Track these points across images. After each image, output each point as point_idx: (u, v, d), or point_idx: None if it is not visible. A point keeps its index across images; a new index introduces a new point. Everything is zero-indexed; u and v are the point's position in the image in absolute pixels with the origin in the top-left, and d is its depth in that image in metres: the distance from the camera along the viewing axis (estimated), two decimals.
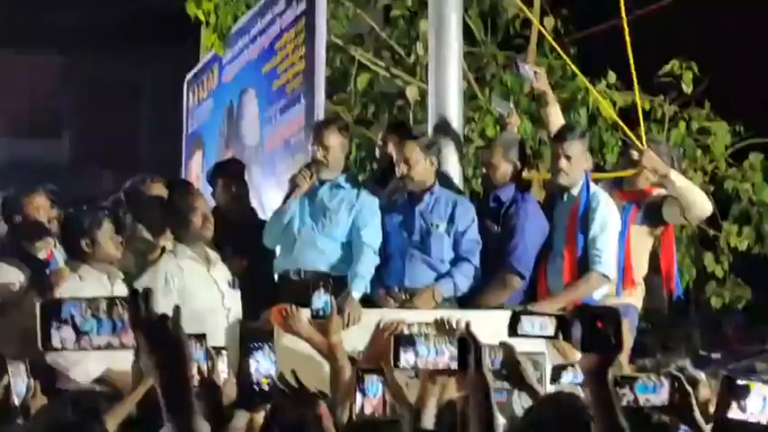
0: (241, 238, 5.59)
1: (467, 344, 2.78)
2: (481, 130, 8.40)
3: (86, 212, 4.89)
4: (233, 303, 5.22)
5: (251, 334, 4.18)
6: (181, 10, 8.75)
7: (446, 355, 2.89)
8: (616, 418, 2.17)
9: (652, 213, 5.38)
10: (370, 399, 3.16)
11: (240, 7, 8.54)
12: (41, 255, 4.88)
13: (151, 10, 9.28)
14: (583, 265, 5.14)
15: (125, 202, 5.75)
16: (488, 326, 4.44)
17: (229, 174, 6.14)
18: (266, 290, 5.39)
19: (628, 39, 5.55)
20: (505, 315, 4.94)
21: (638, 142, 5.51)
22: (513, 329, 2.71)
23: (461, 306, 5.15)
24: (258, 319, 5.14)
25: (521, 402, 4.41)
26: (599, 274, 5.11)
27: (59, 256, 4.87)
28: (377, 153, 6.02)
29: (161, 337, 1.96)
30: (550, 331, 2.56)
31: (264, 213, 6.34)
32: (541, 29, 6.98)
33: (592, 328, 2.19)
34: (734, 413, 2.84)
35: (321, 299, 4.54)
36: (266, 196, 7.05)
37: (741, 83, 9.00)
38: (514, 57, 9.34)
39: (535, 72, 5.60)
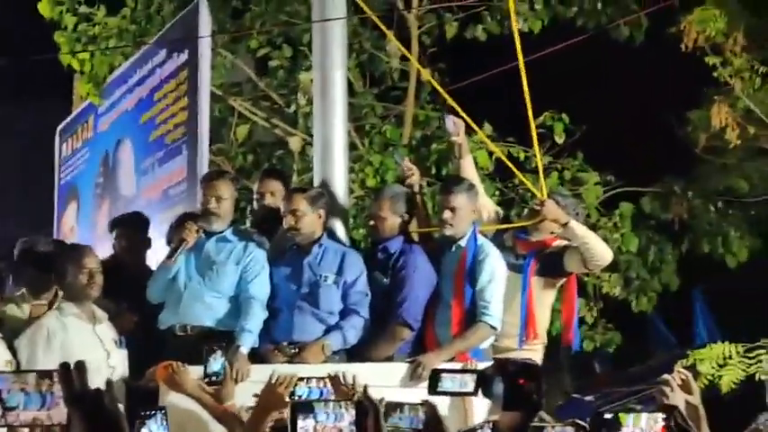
0: (136, 292, 5.46)
1: (365, 407, 2.77)
2: (362, 181, 8.44)
3: None
4: (118, 362, 5.07)
5: (139, 398, 4.07)
6: (52, 59, 8.57)
7: (346, 419, 2.87)
8: None
9: (553, 264, 5.47)
10: None
11: (116, 57, 8.41)
12: None
13: (21, 59, 9.04)
14: (471, 316, 5.19)
15: (6, 259, 5.56)
16: (378, 378, 4.49)
17: (131, 226, 6.02)
18: (154, 346, 5.26)
19: (525, 85, 5.64)
20: (396, 367, 5.02)
21: (538, 193, 5.61)
22: (433, 387, 2.71)
23: (351, 358, 5.13)
24: (143, 377, 5.01)
25: None
26: (487, 326, 5.17)
27: None
28: (254, 204, 5.98)
29: (97, 412, 1.87)
30: (470, 387, 2.58)
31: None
32: (427, 75, 7.05)
33: (514, 385, 2.19)
34: None
35: (217, 362, 4.46)
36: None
37: (611, 133, 9.33)
38: (392, 108, 9.49)
39: (456, 125, 5.63)
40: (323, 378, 4.44)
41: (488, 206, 5.83)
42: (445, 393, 2.68)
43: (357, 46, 9.02)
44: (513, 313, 5.35)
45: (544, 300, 5.50)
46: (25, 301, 5.24)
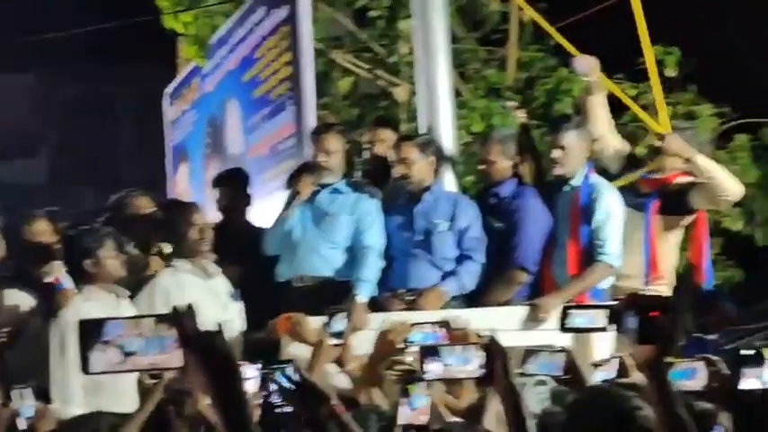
0: (243, 248, 5.53)
1: (493, 351, 2.75)
2: (467, 127, 8.36)
3: (88, 233, 4.82)
4: (234, 315, 5.15)
5: (262, 349, 4.13)
6: (156, 24, 8.70)
7: (473, 363, 2.85)
8: (677, 411, 2.12)
9: (677, 201, 5.29)
10: (416, 412, 3.11)
11: (218, 18, 8.48)
12: (48, 279, 4.80)
13: (126, 25, 9.19)
14: (588, 256, 5.11)
15: (113, 218, 5.68)
16: (495, 323, 4.47)
17: (233, 183, 6.08)
18: (268, 299, 5.33)
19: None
20: (513, 311, 4.99)
21: (658, 127, 5.40)
22: (563, 324, 2.67)
23: (468, 304, 5.12)
24: (263, 330, 5.09)
25: (534, 396, 4.38)
26: (605, 264, 5.08)
27: (66, 278, 4.80)
28: (365, 154, 5.97)
29: (211, 354, 1.91)
30: (601, 323, 2.53)
31: (253, 219, 6.29)
32: (531, 12, 6.83)
33: (646, 319, 2.13)
34: (748, 383, 2.77)
35: (340, 323, 4.49)
36: (255, 203, 7.01)
37: (725, 65, 9.02)
38: (495, 52, 9.36)
39: (589, 64, 5.43)
40: (436, 323, 4.44)
41: (615, 143, 5.55)
42: (576, 330, 2.64)
43: None
44: (637, 252, 5.21)
45: (669, 238, 5.32)
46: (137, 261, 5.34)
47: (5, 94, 20.46)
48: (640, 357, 2.17)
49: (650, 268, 5.20)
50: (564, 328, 2.69)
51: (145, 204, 5.68)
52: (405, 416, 3.10)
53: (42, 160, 21.48)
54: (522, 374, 3.56)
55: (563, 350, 3.57)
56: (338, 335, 4.45)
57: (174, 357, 1.97)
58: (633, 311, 2.14)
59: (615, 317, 2.28)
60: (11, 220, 5.34)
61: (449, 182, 5.57)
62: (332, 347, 4.42)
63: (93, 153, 19.28)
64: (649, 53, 5.60)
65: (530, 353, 3.59)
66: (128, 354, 1.98)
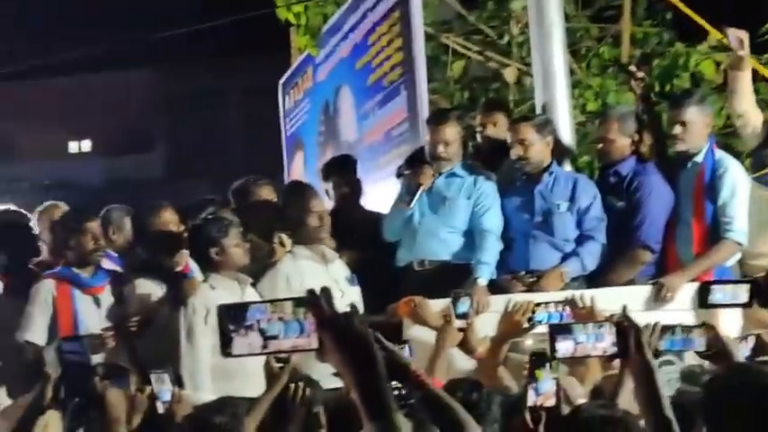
0: (358, 234, 5.58)
1: (625, 328, 2.72)
2: (582, 106, 8.25)
3: (212, 222, 4.94)
4: (354, 300, 5.20)
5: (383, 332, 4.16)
6: (267, 15, 8.82)
7: (605, 341, 2.82)
8: None
9: None
10: (544, 396, 3.09)
11: (329, 7, 8.55)
12: (178, 268, 4.95)
13: (238, 17, 9.35)
14: (713, 234, 4.99)
15: (237, 206, 5.79)
16: (620, 302, 4.40)
17: (342, 170, 6.14)
18: (387, 283, 5.36)
19: None
20: (637, 290, 4.91)
21: None
22: (703, 300, 2.62)
23: (590, 285, 5.06)
24: (382, 314, 5.13)
25: (661, 378, 4.30)
26: (732, 242, 4.96)
27: (195, 267, 4.94)
28: (477, 137, 5.95)
29: (348, 336, 1.93)
30: (743, 298, 2.47)
31: (368, 205, 6.33)
32: None
33: None
34: None
35: (464, 305, 4.51)
36: (369, 189, 7.06)
37: None
38: (608, 29, 9.19)
39: (740, 38, 5.20)
40: (561, 302, 4.40)
41: (756, 119, 5.36)
42: (717, 306, 2.59)
43: None
44: None
45: None
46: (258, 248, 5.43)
47: (122, 91, 21.06)
48: None
49: None
50: (705, 305, 2.63)
51: (267, 192, 5.79)
52: (532, 400, 3.09)
53: (159, 154, 22.04)
54: (660, 352, 3.51)
55: (704, 325, 3.49)
56: (463, 317, 4.46)
57: (313, 340, 2.01)
58: None
59: (758, 291, 2.21)
60: (138, 211, 5.53)
61: (566, 162, 5.52)
62: (456, 330, 4.44)
63: (208, 146, 19.69)
64: None
65: (666, 329, 3.52)
66: (268, 337, 2.02)
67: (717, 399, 2.44)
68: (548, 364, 3.10)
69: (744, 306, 2.56)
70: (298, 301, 2.02)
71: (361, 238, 5.58)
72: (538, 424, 3.14)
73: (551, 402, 3.11)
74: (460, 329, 4.45)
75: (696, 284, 4.57)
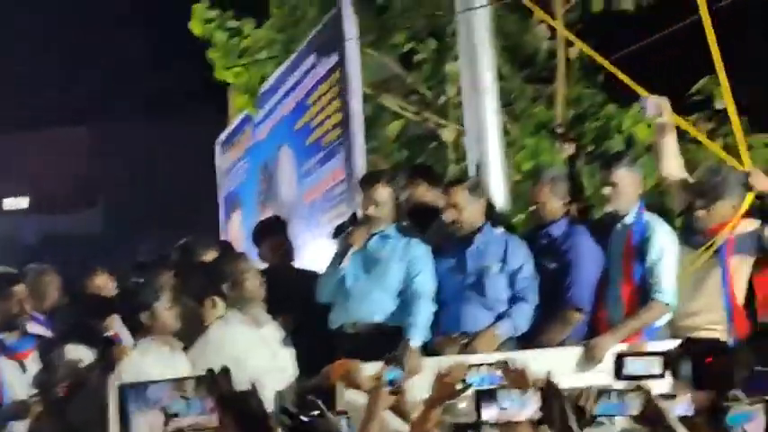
0: (291, 295, 5.57)
1: (549, 394, 2.74)
2: (517, 165, 8.36)
3: (144, 286, 4.89)
4: (287, 362, 5.18)
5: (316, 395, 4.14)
6: (206, 75, 8.86)
7: (530, 407, 2.84)
8: None
9: (750, 244, 5.11)
10: None
11: (268, 67, 8.61)
12: (108, 333, 4.89)
13: (175, 78, 9.40)
14: (643, 295, 5.05)
15: (174, 265, 5.74)
16: (551, 364, 4.43)
17: (273, 232, 6.14)
18: (321, 346, 5.35)
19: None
20: (568, 352, 4.94)
21: (740, 166, 5.25)
22: (618, 372, 2.65)
23: (522, 345, 5.08)
24: (316, 376, 5.09)
25: None
26: (660, 303, 5.02)
27: (125, 333, 4.88)
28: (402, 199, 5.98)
29: (246, 413, 1.93)
30: (657, 370, 2.51)
31: (309, 265, 6.32)
32: (581, 45, 6.78)
33: (702, 364, 2.10)
34: None
35: (395, 372, 4.50)
36: (310, 248, 7.05)
37: None
38: (542, 90, 9.36)
39: (659, 105, 5.30)
40: (494, 364, 4.41)
41: (681, 179, 5.41)
42: (632, 378, 2.62)
43: (502, 30, 8.92)
44: (707, 294, 5.09)
45: (740, 279, 5.14)
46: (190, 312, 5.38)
47: (61, 147, 20.90)
48: (697, 403, 2.14)
49: (733, 321, 5.01)
50: (620, 376, 2.67)
51: (210, 255, 5.75)
52: None
53: (99, 211, 21.85)
54: (595, 417, 3.51)
55: (639, 389, 3.51)
56: (392, 384, 4.45)
57: (213, 417, 2.00)
58: (688, 357, 2.11)
59: (671, 363, 2.24)
60: (71, 273, 5.46)
61: (500, 222, 5.56)
62: (387, 394, 4.41)
63: (148, 202, 19.57)
64: (728, 95, 5.50)
65: (602, 393, 3.53)
66: (170, 415, 2.01)
67: None
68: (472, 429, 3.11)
69: (658, 378, 2.60)
70: (199, 380, 2.02)
71: (295, 298, 5.57)
72: None
73: None
74: (393, 393, 4.43)
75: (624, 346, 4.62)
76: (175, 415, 2.02)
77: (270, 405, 4.56)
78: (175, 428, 2.03)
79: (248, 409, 1.95)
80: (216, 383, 1.97)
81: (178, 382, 2.05)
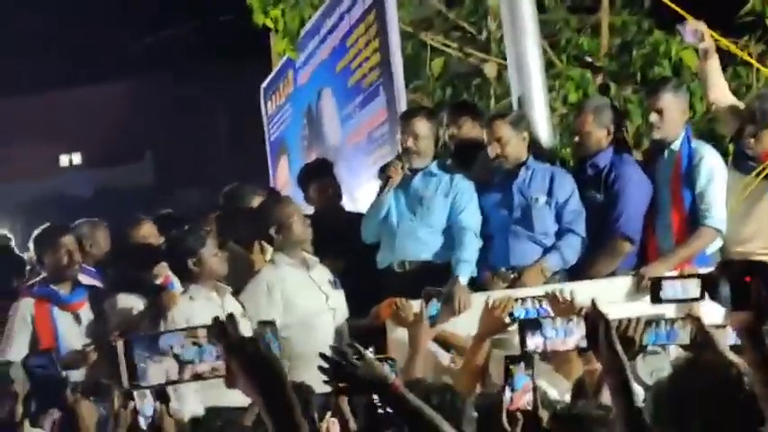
0: (339, 238, 5.58)
1: (594, 321, 2.70)
2: (563, 97, 8.23)
3: (189, 233, 4.93)
4: (338, 303, 5.21)
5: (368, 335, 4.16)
6: (246, 21, 8.80)
7: (575, 335, 2.81)
8: None
9: None
10: (519, 392, 3.09)
11: (306, 10, 8.53)
12: (158, 280, 4.95)
13: (217, 25, 9.36)
14: (692, 221, 4.98)
15: (222, 213, 5.79)
16: (600, 294, 4.39)
17: (319, 175, 6.13)
18: (370, 286, 5.36)
19: None
20: (618, 282, 4.90)
21: None
22: (655, 296, 2.61)
23: (572, 278, 5.05)
24: (366, 316, 5.12)
25: (646, 369, 4.30)
26: (710, 229, 4.95)
27: (175, 279, 4.93)
28: (446, 137, 5.94)
29: (254, 361, 1.93)
30: (695, 293, 2.47)
31: (355, 208, 6.32)
32: None
33: (740, 284, 2.05)
34: None
35: (435, 307, 4.50)
36: (356, 191, 7.04)
37: None
38: (587, 19, 9.17)
39: (698, 31, 5.18)
40: (539, 297, 4.39)
41: (730, 104, 5.29)
42: (669, 301, 2.59)
43: None
44: (759, 219, 5.01)
45: None
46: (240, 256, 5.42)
47: (107, 102, 21.06)
48: (736, 324, 2.10)
49: None
50: (657, 300, 2.63)
51: (256, 201, 5.78)
52: (508, 397, 3.08)
53: (148, 163, 22.05)
54: (645, 346, 3.48)
55: (688, 317, 3.47)
56: (433, 319, 4.46)
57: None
58: (725, 278, 2.06)
59: (708, 285, 2.20)
60: (116, 225, 5.52)
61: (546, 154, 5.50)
62: (428, 328, 4.43)
63: (195, 153, 19.70)
64: None
65: (650, 323, 3.49)
66: (184, 362, 2.02)
67: (679, 393, 2.42)
68: (521, 362, 3.09)
69: (696, 300, 2.56)
70: (208, 328, 2.02)
71: (343, 241, 5.58)
72: (515, 426, 3.13)
73: (527, 400, 3.10)
74: (433, 326, 4.45)
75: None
76: (191, 362, 2.03)
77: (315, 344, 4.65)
78: (192, 375, 2.03)
79: (256, 356, 1.94)
80: (222, 332, 1.97)
81: (190, 331, 2.05)
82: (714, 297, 2.08)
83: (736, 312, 2.08)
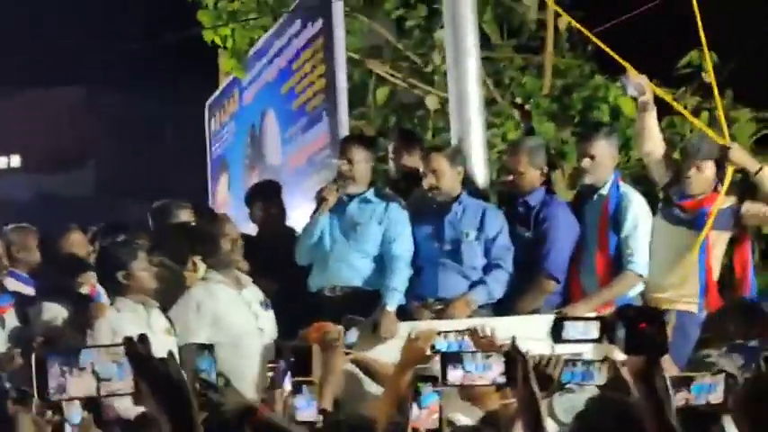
0: (278, 258, 5.62)
1: (514, 359, 2.79)
2: (503, 135, 8.37)
3: (121, 245, 4.94)
4: (267, 324, 5.24)
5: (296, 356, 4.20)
6: (197, 38, 8.84)
7: (494, 370, 2.89)
8: (666, 419, 2.15)
9: (727, 220, 5.15)
10: (426, 410, 3.15)
11: (256, 30, 8.59)
12: (84, 290, 4.94)
13: (168, 40, 9.37)
14: (616, 265, 5.12)
15: (152, 229, 5.79)
16: (523, 331, 4.49)
17: (266, 195, 6.19)
18: (302, 308, 5.40)
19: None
20: (541, 319, 5.02)
21: (721, 140, 5.25)
22: (557, 335, 2.71)
23: (497, 313, 5.15)
24: (295, 338, 5.15)
25: (561, 406, 4.39)
26: (633, 273, 5.10)
27: (102, 291, 4.93)
28: (390, 165, 6.05)
29: (164, 382, 1.98)
30: (594, 334, 2.57)
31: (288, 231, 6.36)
32: (568, 18, 6.80)
33: (635, 329, 2.17)
34: None
35: (353, 336, 4.57)
36: (293, 214, 7.09)
37: (762, 68, 8.93)
38: (531, 59, 9.36)
39: (640, 84, 5.30)
40: (462, 332, 4.48)
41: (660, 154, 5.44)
42: (569, 341, 2.70)
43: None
44: (680, 269, 5.15)
45: (715, 254, 5.21)
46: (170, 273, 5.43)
47: (52, 107, 20.84)
48: (629, 368, 2.21)
49: (707, 296, 5.11)
50: (557, 340, 2.74)
51: (185, 215, 5.81)
52: (415, 415, 3.14)
53: (90, 172, 21.83)
54: (562, 384, 3.57)
55: (605, 359, 3.58)
56: (351, 345, 4.52)
57: (129, 384, 2.05)
58: (622, 323, 2.17)
59: (606, 328, 2.32)
60: (46, 233, 5.50)
61: (481, 190, 5.60)
62: (343, 354, 4.49)
63: (138, 165, 19.57)
64: (711, 69, 5.56)
65: (568, 362, 3.59)
66: (102, 379, 2.06)
67: (582, 426, 2.52)
68: (429, 382, 3.17)
69: (595, 341, 2.69)
70: (124, 344, 2.07)
71: (280, 261, 5.62)
72: None
73: (433, 419, 3.17)
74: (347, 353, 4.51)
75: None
76: (108, 380, 2.07)
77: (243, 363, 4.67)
78: (108, 392, 2.08)
79: (166, 378, 1.99)
80: (134, 350, 2.02)
81: (110, 348, 2.10)
82: (611, 340, 2.19)
83: (630, 357, 2.19)
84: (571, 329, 2.70)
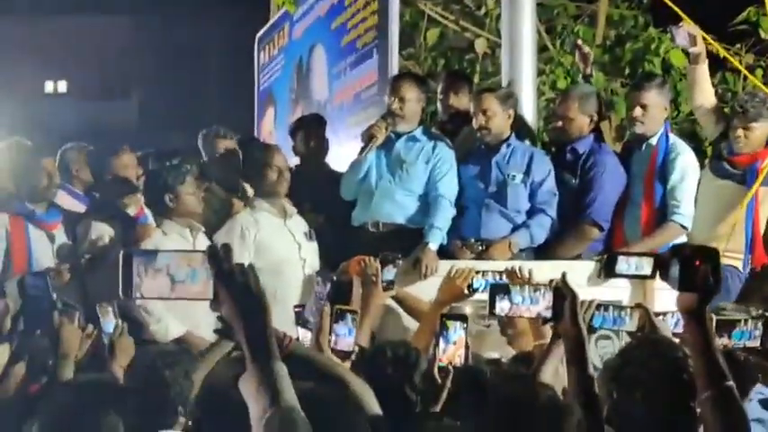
0: (320, 191, 5.66)
1: (562, 293, 2.81)
2: (552, 82, 8.32)
3: (169, 169, 4.99)
4: (309, 254, 5.29)
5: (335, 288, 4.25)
6: None
7: (540, 304, 2.91)
8: (715, 358, 2.17)
9: None
10: (452, 345, 3.20)
11: None
12: (131, 211, 5.00)
13: None
14: (661, 216, 5.10)
15: (202, 156, 5.85)
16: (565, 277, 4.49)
17: (310, 128, 6.19)
18: (344, 241, 5.44)
19: None
20: (581, 265, 5.03)
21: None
22: (609, 270, 2.73)
23: (538, 257, 5.15)
24: (336, 270, 5.20)
25: (596, 353, 4.42)
26: (676, 225, 5.08)
27: (149, 213, 4.99)
28: (438, 106, 6.03)
29: (241, 289, 2.02)
30: (647, 270, 2.58)
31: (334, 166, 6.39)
32: None
33: (689, 267, 2.17)
34: None
35: (391, 273, 4.59)
36: (336, 150, 7.11)
37: None
38: (585, 8, 9.25)
39: (691, 34, 5.22)
40: (500, 272, 4.50)
41: (713, 108, 5.43)
42: (621, 276, 2.71)
43: None
44: (727, 224, 5.13)
45: (766, 212, 5.19)
46: (219, 198, 5.49)
47: (99, 36, 20.90)
48: (681, 305, 2.22)
49: (753, 252, 5.08)
50: (609, 274, 2.75)
51: (230, 144, 5.85)
52: (442, 349, 3.19)
53: (135, 102, 21.94)
54: (593, 329, 3.60)
55: (638, 306, 3.59)
56: (389, 284, 4.55)
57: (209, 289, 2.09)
58: (677, 260, 2.18)
59: (660, 265, 2.32)
60: (100, 154, 5.57)
61: (529, 135, 5.59)
62: (381, 291, 4.52)
63: (184, 97, 19.63)
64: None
65: (599, 307, 3.61)
66: (176, 282, 2.10)
67: (626, 366, 2.54)
68: (458, 320, 3.21)
69: (647, 278, 2.69)
70: (204, 253, 2.10)
71: (324, 194, 5.66)
72: (446, 379, 3.26)
73: (460, 354, 3.21)
74: (386, 289, 4.54)
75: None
76: (182, 282, 2.11)
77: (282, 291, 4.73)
78: (180, 294, 2.12)
79: (244, 285, 2.04)
80: (216, 258, 2.06)
81: (187, 253, 2.14)
82: (664, 277, 2.20)
83: (682, 294, 2.20)
84: (624, 264, 2.72)
